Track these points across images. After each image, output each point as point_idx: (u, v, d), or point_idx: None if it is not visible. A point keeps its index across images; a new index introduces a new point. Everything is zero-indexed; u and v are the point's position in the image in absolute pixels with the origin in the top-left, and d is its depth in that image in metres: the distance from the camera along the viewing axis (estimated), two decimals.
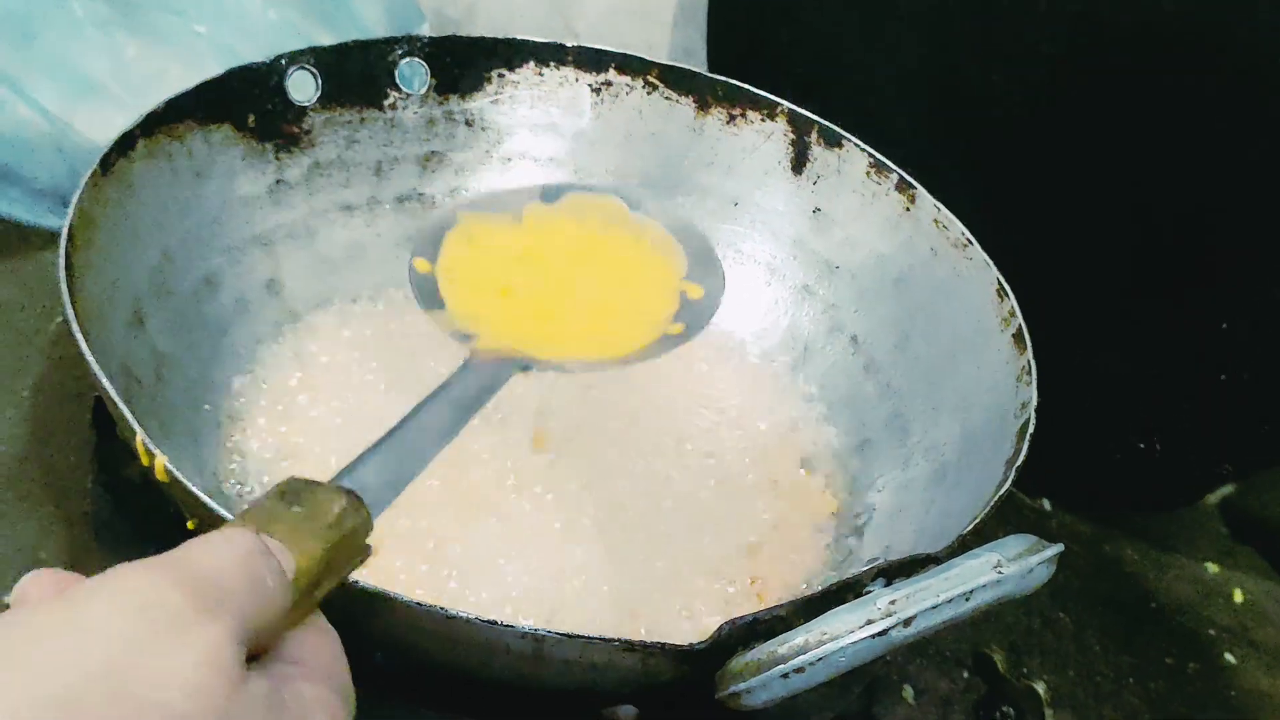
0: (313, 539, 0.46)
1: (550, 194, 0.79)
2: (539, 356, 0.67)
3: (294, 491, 0.48)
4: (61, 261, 0.66)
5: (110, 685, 0.36)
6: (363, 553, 0.49)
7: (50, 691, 0.35)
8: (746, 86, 0.93)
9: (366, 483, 0.51)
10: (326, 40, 0.92)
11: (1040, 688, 0.78)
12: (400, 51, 0.90)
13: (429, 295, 0.71)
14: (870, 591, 0.58)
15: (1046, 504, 0.98)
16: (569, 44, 0.94)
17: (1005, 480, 0.69)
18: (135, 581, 0.39)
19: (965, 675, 0.82)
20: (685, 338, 0.72)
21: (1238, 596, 0.96)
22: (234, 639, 0.39)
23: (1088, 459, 0.95)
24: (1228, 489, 1.02)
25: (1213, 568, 0.98)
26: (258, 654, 0.42)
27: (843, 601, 0.57)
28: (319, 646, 0.45)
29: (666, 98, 0.94)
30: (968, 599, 0.56)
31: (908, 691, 0.80)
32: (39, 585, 0.41)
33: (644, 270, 0.77)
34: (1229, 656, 0.91)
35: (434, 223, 0.75)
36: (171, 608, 0.38)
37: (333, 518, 0.47)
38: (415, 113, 0.91)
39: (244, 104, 0.84)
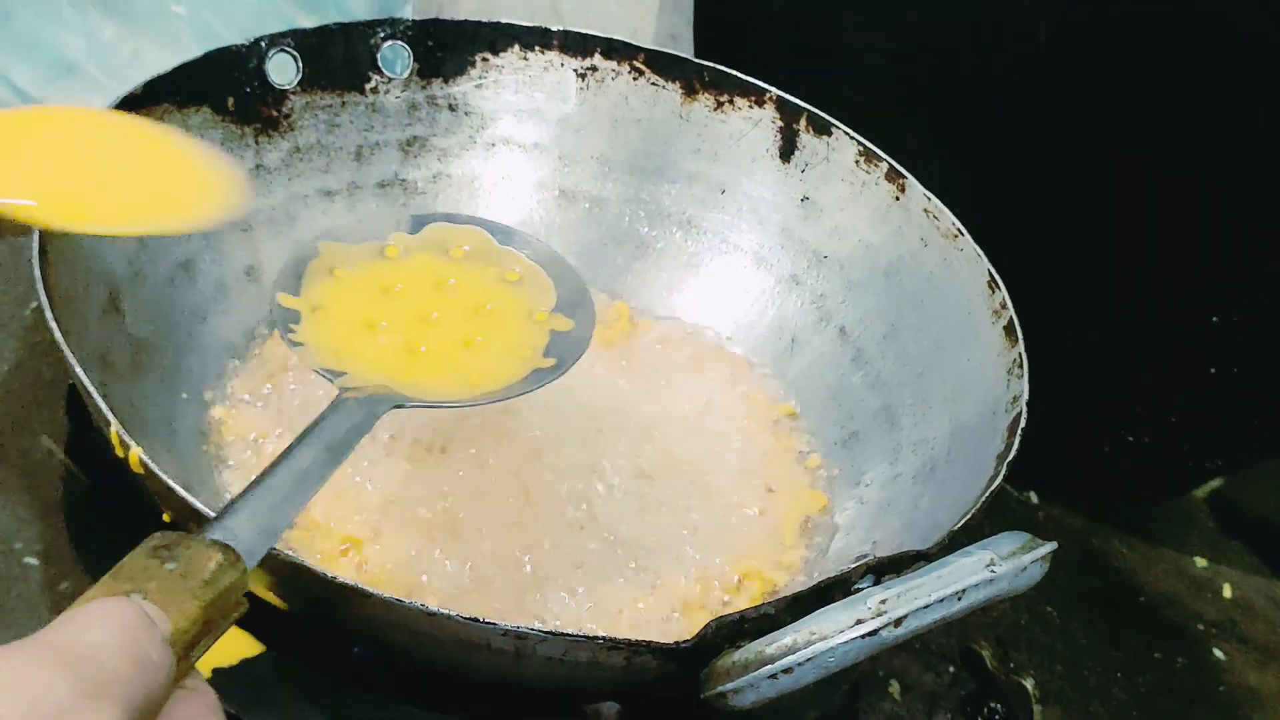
0: (189, 598, 0.43)
1: (414, 224, 0.78)
2: (409, 395, 0.65)
3: (166, 547, 0.45)
4: (35, 247, 0.65)
5: None
6: (239, 608, 0.47)
7: None
8: (734, 73, 0.92)
9: (240, 533, 0.48)
10: (307, 22, 0.91)
11: (1029, 683, 0.77)
12: (382, 34, 0.88)
13: (294, 330, 0.69)
14: (860, 589, 0.57)
15: (1034, 497, 0.98)
16: (554, 28, 0.93)
17: (996, 476, 0.68)
18: (17, 670, 0.37)
19: (952, 671, 0.82)
20: (557, 371, 0.70)
21: (1226, 591, 0.95)
22: None
23: (1076, 452, 0.95)
24: (1216, 483, 1.02)
25: (1201, 562, 0.98)
26: None
27: (831, 600, 0.56)
28: (198, 714, 0.43)
29: (653, 83, 0.93)
30: (960, 598, 0.56)
31: (894, 687, 0.80)
32: None
33: (510, 303, 0.75)
34: (1217, 652, 0.90)
35: (296, 255, 0.73)
36: (56, 700, 0.36)
37: (209, 574, 0.45)
38: (397, 97, 0.90)
39: (223, 86, 0.83)
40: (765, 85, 0.91)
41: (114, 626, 0.39)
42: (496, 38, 0.92)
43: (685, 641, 0.56)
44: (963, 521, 0.64)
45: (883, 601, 0.55)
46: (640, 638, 0.57)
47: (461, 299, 0.74)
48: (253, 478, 0.52)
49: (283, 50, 0.85)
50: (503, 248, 0.77)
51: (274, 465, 0.54)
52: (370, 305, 0.72)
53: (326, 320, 0.70)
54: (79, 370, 0.60)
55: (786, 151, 0.91)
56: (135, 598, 0.41)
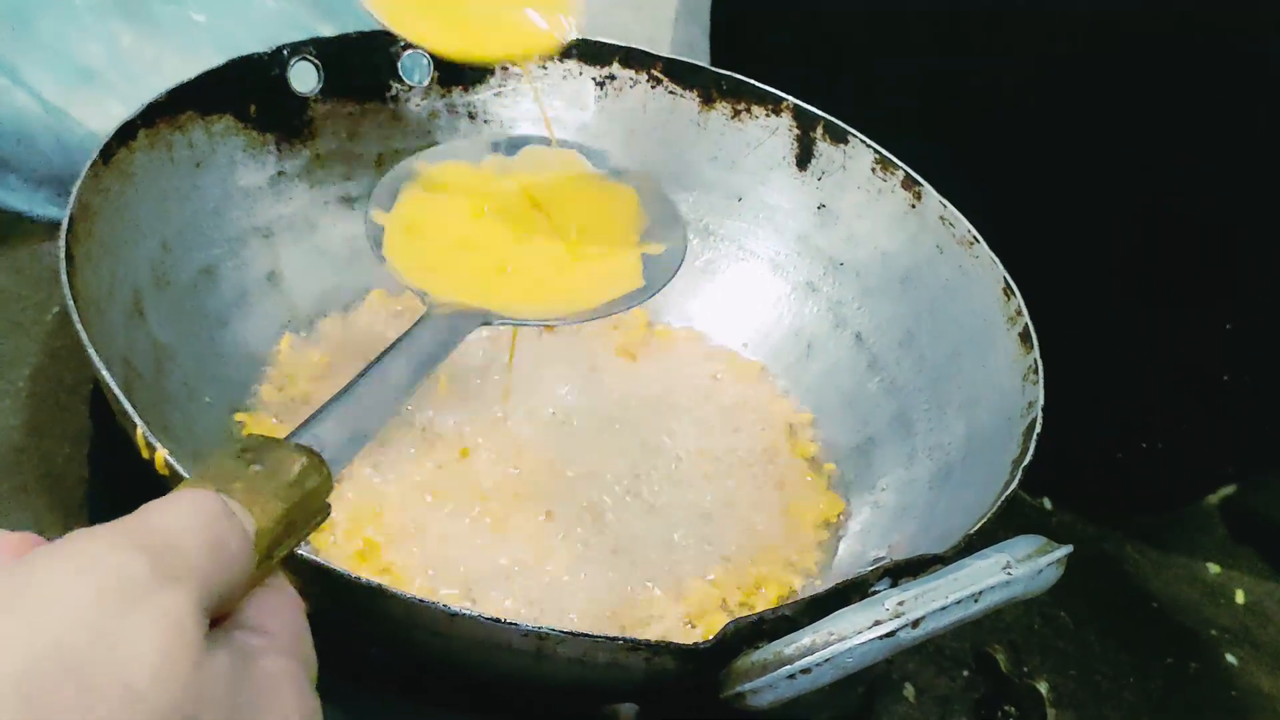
0: (273, 498, 0.44)
1: (510, 147, 0.79)
2: (497, 311, 0.66)
3: (253, 449, 0.46)
4: (62, 252, 0.65)
5: (69, 661, 0.34)
6: (323, 512, 0.48)
7: (6, 669, 0.33)
8: (751, 81, 0.93)
9: (326, 439, 0.49)
10: (327, 31, 0.91)
11: (1042, 687, 0.78)
12: (403, 43, 0.89)
13: (384, 247, 0.71)
14: (877, 592, 0.58)
15: (1048, 503, 0.98)
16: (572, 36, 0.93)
17: (1011, 481, 0.68)
18: (95, 547, 0.37)
19: (966, 674, 0.82)
20: (647, 293, 0.71)
21: (1239, 597, 0.96)
22: (197, 607, 0.38)
23: (1090, 458, 0.95)
24: (1229, 489, 1.02)
25: (1214, 568, 0.98)
26: (219, 619, 0.41)
27: (849, 602, 0.57)
28: (281, 611, 0.43)
29: (671, 92, 0.93)
30: (976, 600, 0.56)
31: (909, 690, 0.80)
32: None
33: (603, 225, 0.76)
34: (1230, 657, 0.90)
35: (392, 173, 0.75)
36: (133, 576, 0.37)
37: (293, 476, 0.46)
38: (417, 105, 0.91)
39: (246, 94, 0.83)
40: (782, 94, 0.92)
41: (193, 514, 0.40)
42: None
43: (705, 642, 0.57)
44: (978, 525, 0.65)
45: (900, 603, 0.55)
46: (660, 639, 0.58)
47: (553, 221, 0.75)
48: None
49: (304, 58, 0.85)
50: (596, 171, 0.78)
51: (361, 376, 0.55)
52: (463, 224, 0.73)
53: (419, 238, 0.71)
54: (105, 373, 0.60)
55: (803, 159, 0.92)
56: (219, 495, 0.42)
